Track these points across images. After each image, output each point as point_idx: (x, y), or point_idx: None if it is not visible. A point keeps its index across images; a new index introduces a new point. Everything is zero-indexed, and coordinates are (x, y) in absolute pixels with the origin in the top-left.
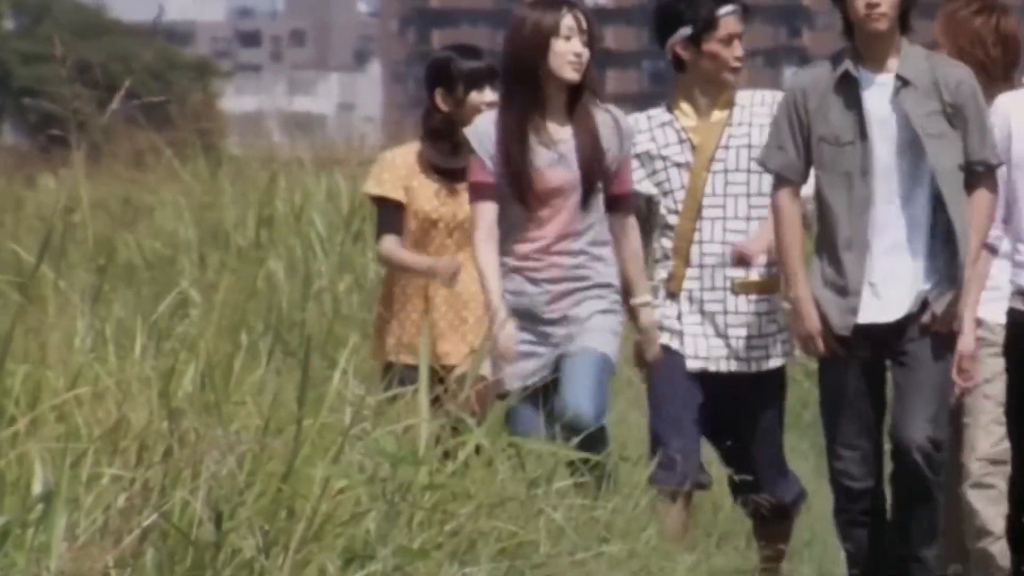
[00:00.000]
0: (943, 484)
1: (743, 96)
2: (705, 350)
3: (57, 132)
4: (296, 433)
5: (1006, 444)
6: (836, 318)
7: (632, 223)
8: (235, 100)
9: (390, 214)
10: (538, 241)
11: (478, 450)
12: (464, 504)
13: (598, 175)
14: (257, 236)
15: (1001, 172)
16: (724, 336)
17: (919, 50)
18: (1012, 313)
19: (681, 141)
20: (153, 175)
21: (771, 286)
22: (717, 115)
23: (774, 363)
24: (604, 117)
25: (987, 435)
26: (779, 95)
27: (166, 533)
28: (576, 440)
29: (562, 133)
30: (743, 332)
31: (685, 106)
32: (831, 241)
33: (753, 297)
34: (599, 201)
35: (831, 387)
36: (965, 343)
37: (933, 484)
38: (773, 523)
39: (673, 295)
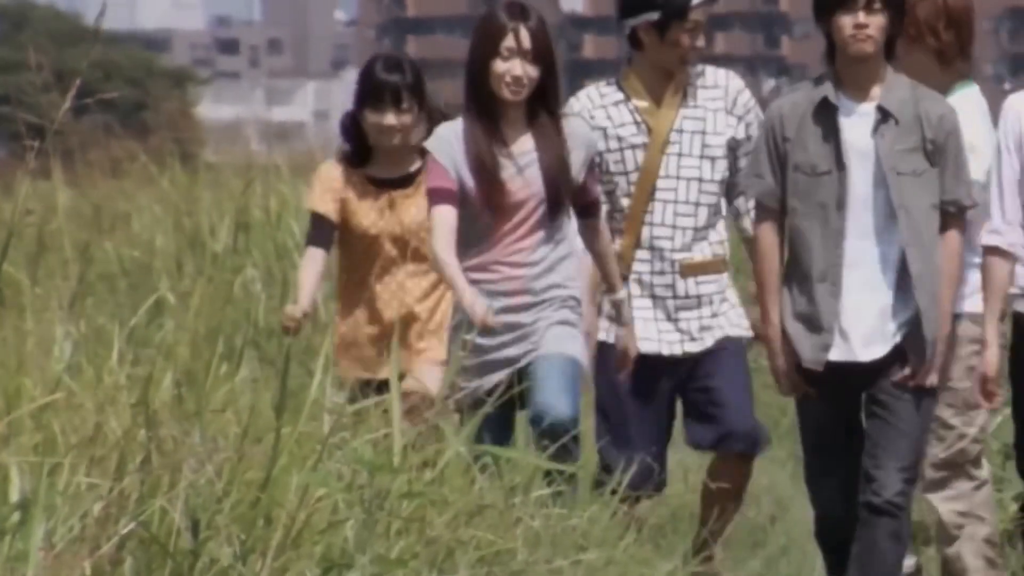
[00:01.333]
0: (909, 521)
1: (696, 74)
2: (655, 334)
3: (31, 142)
4: (274, 441)
5: (961, 446)
6: (808, 353)
7: (601, 224)
8: (213, 108)
9: (320, 229)
10: (498, 252)
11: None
12: (442, 512)
13: (563, 190)
14: (234, 243)
15: (1015, 171)
16: (674, 320)
17: (904, 80)
18: (1016, 316)
19: (636, 122)
20: (130, 183)
21: (717, 266)
22: (671, 97)
23: (732, 332)
24: (569, 127)
25: (939, 441)
26: (733, 77)
27: (144, 541)
28: (553, 447)
29: (523, 145)
30: (694, 314)
31: (638, 86)
32: (804, 273)
33: (701, 278)
34: (564, 213)
35: (809, 420)
36: (989, 363)
37: (901, 527)
38: (732, 462)
39: (623, 278)
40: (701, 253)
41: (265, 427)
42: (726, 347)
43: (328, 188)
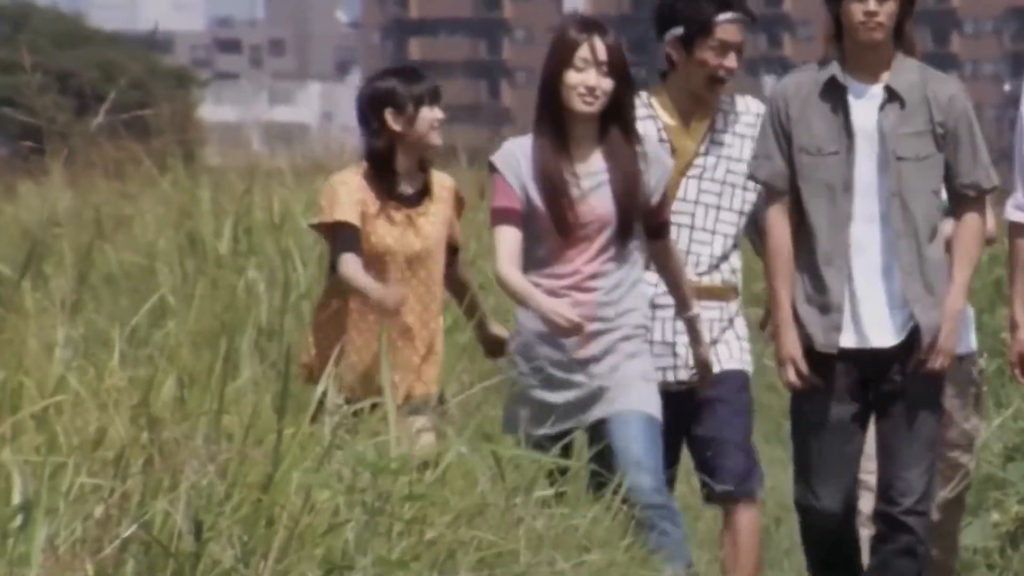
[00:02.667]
0: (928, 534)
1: (726, 101)
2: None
3: (34, 143)
4: (276, 443)
5: (967, 482)
6: (820, 336)
7: (672, 244)
8: (214, 109)
9: (351, 237)
10: (566, 278)
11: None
12: (443, 514)
13: (635, 210)
14: (235, 245)
15: None
16: (671, 344)
17: (912, 63)
18: None
19: (660, 140)
20: (132, 184)
21: (725, 293)
22: (698, 120)
23: (729, 366)
24: (645, 147)
25: (946, 481)
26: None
27: (146, 543)
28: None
29: (594, 165)
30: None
31: (668, 104)
32: (811, 256)
33: (705, 302)
34: (635, 235)
35: (808, 419)
36: (1022, 342)
37: (919, 542)
38: (738, 513)
39: None
40: (710, 279)
41: (267, 429)
42: (724, 381)
43: (353, 199)
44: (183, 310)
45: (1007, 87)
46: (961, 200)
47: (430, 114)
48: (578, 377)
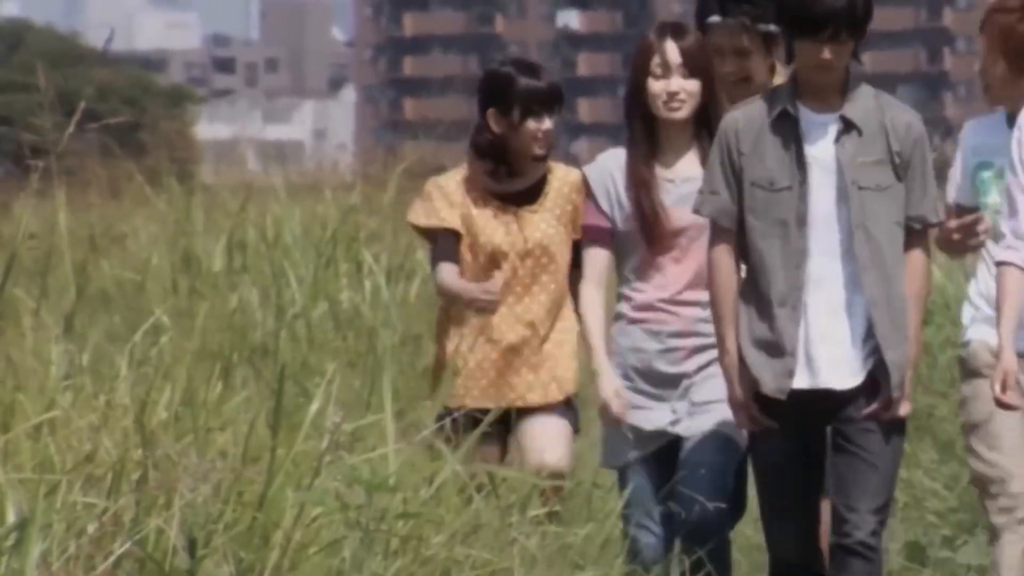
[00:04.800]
0: (882, 562)
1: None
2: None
3: (31, 161)
4: (270, 461)
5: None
6: (770, 381)
7: None
8: (209, 128)
9: (448, 244)
10: (663, 289)
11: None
12: (438, 532)
13: None
14: (229, 263)
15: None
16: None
17: (867, 89)
18: None
19: None
20: (126, 202)
21: None
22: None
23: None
24: None
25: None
26: None
27: (140, 560)
28: (699, 552)
29: (689, 169)
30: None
31: None
32: (763, 296)
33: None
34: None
35: (765, 458)
36: (1007, 360)
37: (873, 569)
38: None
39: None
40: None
41: (261, 446)
42: (708, 411)
43: (448, 202)
44: (177, 328)
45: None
46: (908, 232)
47: (535, 125)
48: (669, 395)
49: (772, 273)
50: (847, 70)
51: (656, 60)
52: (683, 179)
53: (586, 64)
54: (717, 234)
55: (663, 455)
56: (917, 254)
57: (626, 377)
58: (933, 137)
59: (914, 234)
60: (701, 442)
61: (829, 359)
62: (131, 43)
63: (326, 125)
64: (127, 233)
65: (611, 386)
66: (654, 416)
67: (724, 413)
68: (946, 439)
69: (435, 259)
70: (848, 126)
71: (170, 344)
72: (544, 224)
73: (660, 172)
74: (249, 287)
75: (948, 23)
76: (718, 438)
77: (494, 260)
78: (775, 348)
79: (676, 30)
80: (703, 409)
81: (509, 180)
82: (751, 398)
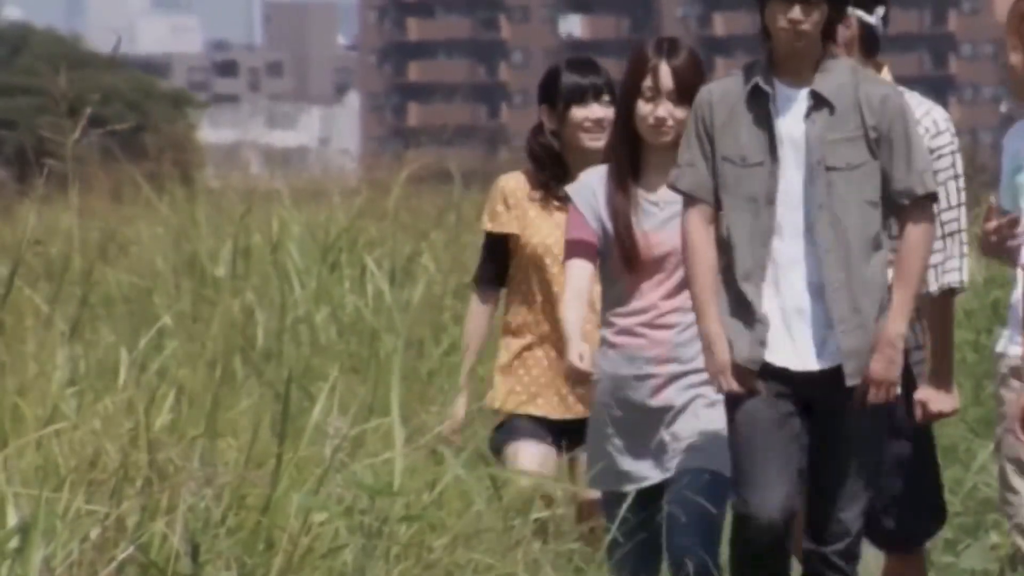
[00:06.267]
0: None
1: None
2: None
3: (48, 163)
4: (275, 466)
5: None
6: (744, 350)
7: None
8: (212, 132)
9: (490, 247)
10: (641, 314)
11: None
12: (441, 536)
13: None
14: (233, 268)
15: None
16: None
17: (843, 63)
18: None
19: None
20: (130, 207)
21: None
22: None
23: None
24: None
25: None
26: None
27: (143, 566)
28: None
29: (670, 193)
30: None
31: None
32: (731, 271)
33: None
34: None
35: (743, 420)
36: None
37: (850, 572)
38: None
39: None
40: None
41: (265, 451)
42: (694, 449)
43: (505, 204)
44: (181, 332)
45: (1004, 108)
46: (897, 210)
47: (581, 112)
48: (655, 426)
49: (739, 249)
50: (826, 45)
51: (647, 82)
52: (667, 202)
53: None
54: (693, 206)
55: (648, 489)
56: (910, 229)
57: (604, 425)
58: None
59: (907, 209)
60: (688, 482)
61: (803, 339)
62: (133, 47)
63: (330, 130)
64: (131, 238)
65: (576, 350)
66: (633, 475)
67: (710, 447)
68: (948, 443)
69: (478, 276)
70: (819, 101)
71: (174, 349)
72: None
73: (643, 195)
74: (253, 291)
75: (953, 28)
76: (703, 482)
77: (541, 261)
78: (747, 319)
79: (671, 50)
80: (690, 439)
81: (567, 181)
82: (732, 363)
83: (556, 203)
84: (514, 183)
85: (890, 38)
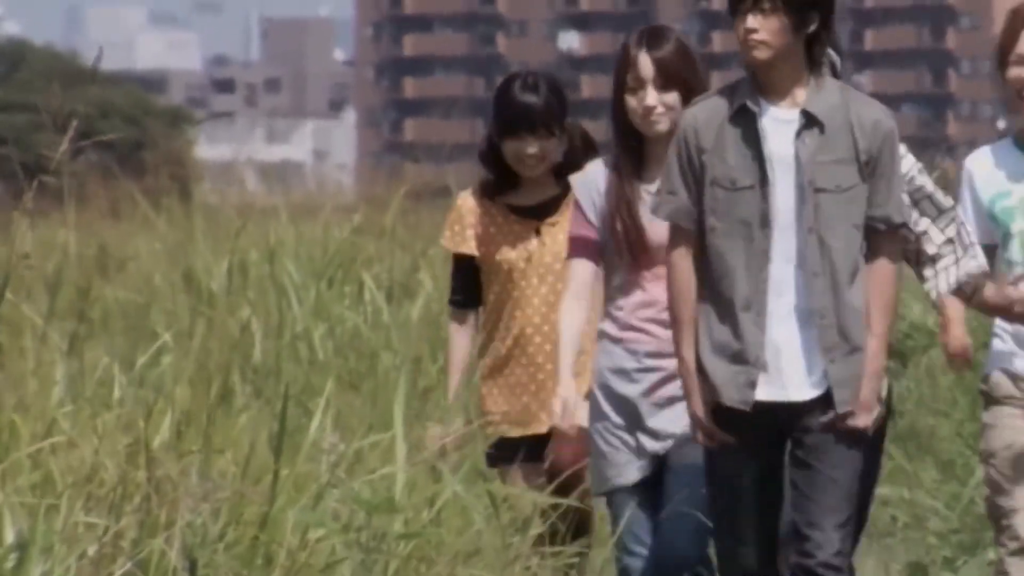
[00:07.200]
0: None
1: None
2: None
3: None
4: (272, 481)
5: None
6: (733, 392)
7: None
8: (210, 148)
9: (458, 268)
10: (645, 308)
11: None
12: (440, 552)
13: None
14: (230, 283)
15: None
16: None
17: (833, 83)
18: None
19: None
20: (128, 223)
21: None
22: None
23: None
24: None
25: None
26: None
27: None
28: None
29: None
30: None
31: None
32: (724, 300)
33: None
34: None
35: (723, 475)
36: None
37: None
38: None
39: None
40: None
41: (263, 467)
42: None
43: (462, 224)
44: (179, 348)
45: (1001, 124)
46: (871, 235)
47: (513, 145)
48: (653, 425)
49: (734, 276)
50: (809, 63)
51: (631, 74)
52: None
53: (588, 86)
54: (676, 235)
55: (651, 478)
56: (883, 261)
57: (603, 415)
58: (935, 156)
59: (880, 236)
60: (683, 471)
61: (791, 369)
62: (131, 62)
63: (327, 146)
64: (129, 253)
65: (561, 396)
66: (634, 461)
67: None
68: (947, 459)
69: (452, 297)
70: (810, 121)
71: (171, 365)
72: (562, 237)
73: (643, 187)
74: (250, 307)
75: (952, 45)
76: (700, 464)
77: (508, 275)
78: (738, 355)
79: (652, 40)
80: (687, 439)
81: (515, 194)
82: (710, 411)
83: (514, 216)
84: (472, 201)
85: (889, 54)
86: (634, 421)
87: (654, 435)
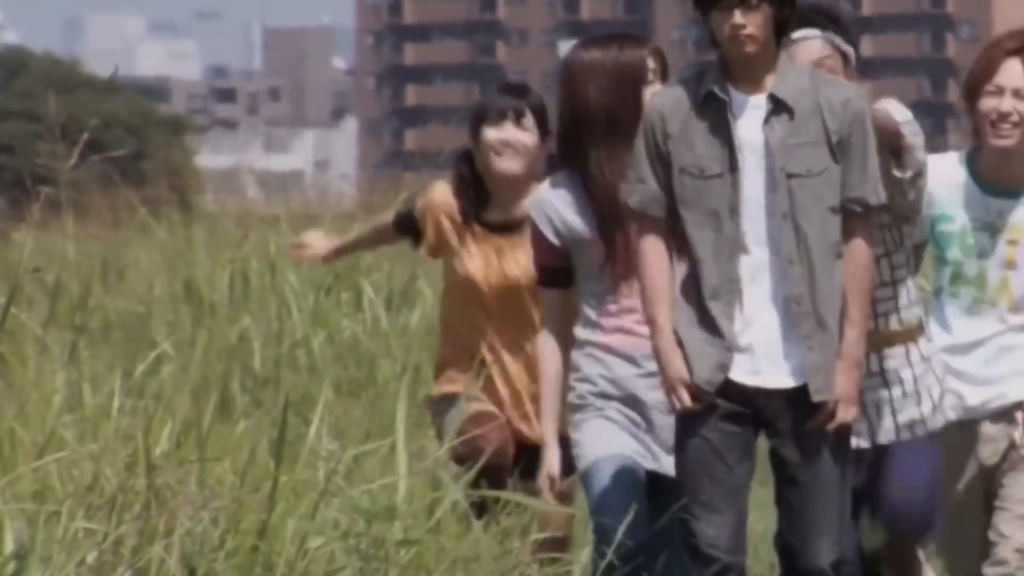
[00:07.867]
0: None
1: None
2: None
3: (40, 188)
4: (271, 490)
5: None
6: (704, 371)
7: None
8: (210, 157)
9: (407, 221)
10: (632, 313)
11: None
12: (439, 560)
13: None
14: (231, 292)
15: None
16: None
17: (801, 68)
18: None
19: None
20: (128, 232)
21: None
22: None
23: None
24: None
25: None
26: None
27: None
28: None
29: None
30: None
31: None
32: (696, 288)
33: None
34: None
35: (694, 442)
36: None
37: None
38: None
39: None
40: None
41: (262, 475)
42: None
43: (435, 212)
44: (179, 358)
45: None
46: (847, 217)
47: (491, 132)
48: (656, 426)
49: (704, 265)
50: (775, 49)
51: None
52: None
53: None
54: (646, 224)
55: (648, 477)
56: (859, 243)
57: (599, 395)
58: None
59: (855, 219)
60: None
61: (767, 355)
62: (131, 70)
63: (327, 154)
64: (128, 262)
65: (548, 465)
66: (631, 443)
67: None
68: None
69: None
70: (778, 106)
71: (171, 374)
72: (525, 257)
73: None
74: (250, 316)
75: (952, 54)
76: None
77: (473, 290)
78: (710, 340)
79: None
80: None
81: (486, 210)
82: (688, 380)
83: (479, 229)
84: (441, 197)
85: (889, 63)
86: (636, 417)
87: (655, 429)
